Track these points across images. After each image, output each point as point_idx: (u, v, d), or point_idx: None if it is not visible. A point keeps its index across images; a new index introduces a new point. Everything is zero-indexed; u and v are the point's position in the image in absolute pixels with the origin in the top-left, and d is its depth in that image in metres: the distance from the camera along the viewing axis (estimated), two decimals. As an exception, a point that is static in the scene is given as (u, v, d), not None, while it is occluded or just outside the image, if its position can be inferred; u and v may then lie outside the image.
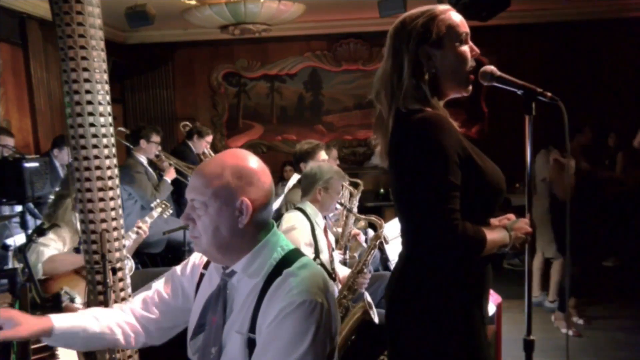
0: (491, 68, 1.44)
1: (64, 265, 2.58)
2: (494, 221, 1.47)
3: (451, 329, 1.39)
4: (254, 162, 1.28)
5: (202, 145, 5.23)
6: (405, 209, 1.44)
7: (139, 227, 2.96)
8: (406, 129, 1.36)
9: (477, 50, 1.44)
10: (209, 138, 5.32)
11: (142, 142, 4.30)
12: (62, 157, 4.60)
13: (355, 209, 3.71)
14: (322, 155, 3.58)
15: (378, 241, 2.69)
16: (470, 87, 1.45)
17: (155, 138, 4.33)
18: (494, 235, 1.37)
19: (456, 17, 1.42)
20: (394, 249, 3.33)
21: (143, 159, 4.32)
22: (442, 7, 1.43)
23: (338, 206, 3.07)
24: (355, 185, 3.76)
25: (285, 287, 1.18)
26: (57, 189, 2.98)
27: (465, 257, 1.37)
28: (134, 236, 2.93)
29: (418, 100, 1.38)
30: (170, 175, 4.34)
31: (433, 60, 1.39)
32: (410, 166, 1.35)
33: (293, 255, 1.27)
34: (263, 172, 1.28)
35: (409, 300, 1.43)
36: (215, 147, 6.55)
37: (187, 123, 5.56)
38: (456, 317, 1.39)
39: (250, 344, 1.20)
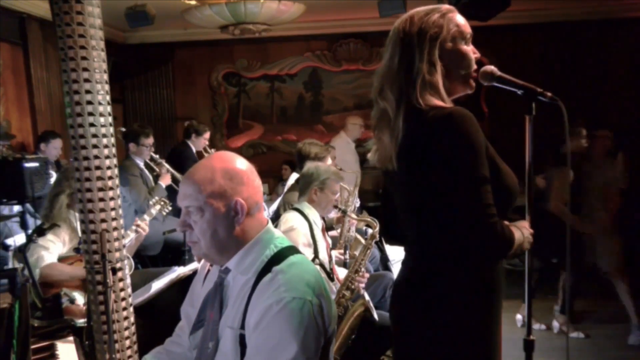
0: (491, 68, 1.44)
1: (61, 275, 2.57)
2: None
3: (469, 329, 1.38)
4: (240, 162, 1.31)
5: (201, 143, 5.20)
6: (427, 209, 1.38)
7: (138, 225, 2.94)
8: (433, 124, 1.31)
9: (477, 53, 1.44)
10: (207, 135, 5.27)
11: (132, 146, 4.22)
12: (49, 152, 4.54)
13: (355, 205, 3.72)
14: (329, 161, 3.58)
15: (374, 241, 2.69)
16: (474, 84, 1.45)
17: (144, 141, 4.22)
18: (517, 234, 1.35)
19: (461, 18, 1.43)
20: (394, 249, 3.33)
21: (140, 161, 4.27)
22: (447, 6, 1.44)
23: (334, 211, 3.08)
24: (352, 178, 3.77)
25: (274, 284, 1.20)
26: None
27: (498, 256, 1.37)
28: (132, 235, 2.92)
29: (437, 96, 1.35)
30: (165, 181, 4.26)
31: (444, 58, 1.38)
32: (441, 161, 1.29)
33: (285, 253, 1.28)
34: (251, 171, 1.31)
35: (424, 302, 1.41)
36: (216, 147, 6.54)
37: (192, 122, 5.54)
38: (474, 318, 1.38)
39: (242, 340, 1.22)
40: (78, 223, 2.48)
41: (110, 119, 1.93)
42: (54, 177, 3.58)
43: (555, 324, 3.92)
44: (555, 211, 3.70)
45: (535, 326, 3.95)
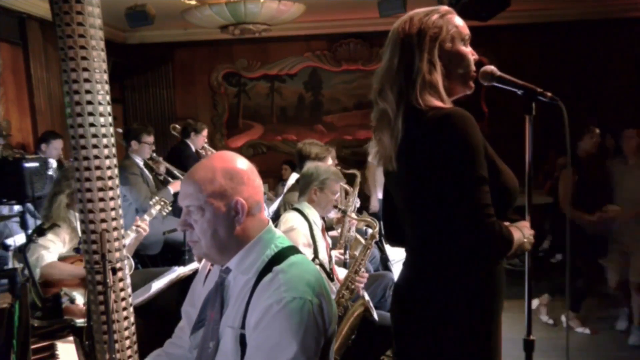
0: (491, 68, 1.44)
1: (62, 274, 2.57)
2: None
3: (469, 330, 1.38)
4: (241, 162, 1.31)
5: (200, 141, 5.15)
6: (427, 210, 1.38)
7: (138, 226, 2.94)
8: (431, 124, 1.31)
9: (476, 55, 1.44)
10: (205, 132, 5.21)
11: (134, 144, 4.19)
12: (49, 152, 4.54)
13: (355, 206, 3.71)
14: (329, 161, 3.58)
15: (374, 241, 2.69)
16: (473, 85, 1.45)
17: (147, 139, 4.21)
18: (517, 235, 1.36)
19: (459, 20, 1.43)
20: (394, 249, 3.33)
21: (139, 160, 4.25)
22: (446, 8, 1.44)
23: (334, 211, 3.08)
24: (352, 178, 3.76)
25: (274, 284, 1.20)
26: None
27: (497, 256, 1.37)
28: (133, 235, 2.92)
29: (436, 97, 1.36)
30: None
31: (443, 58, 1.38)
32: (439, 162, 1.30)
33: (286, 253, 1.28)
34: (252, 171, 1.31)
35: (424, 302, 1.41)
36: (216, 147, 6.54)
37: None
38: (474, 318, 1.38)
39: (242, 340, 1.22)
40: (78, 223, 2.48)
41: (110, 119, 1.93)
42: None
43: (563, 318, 3.96)
44: (565, 212, 3.72)
45: (544, 318, 4.06)
